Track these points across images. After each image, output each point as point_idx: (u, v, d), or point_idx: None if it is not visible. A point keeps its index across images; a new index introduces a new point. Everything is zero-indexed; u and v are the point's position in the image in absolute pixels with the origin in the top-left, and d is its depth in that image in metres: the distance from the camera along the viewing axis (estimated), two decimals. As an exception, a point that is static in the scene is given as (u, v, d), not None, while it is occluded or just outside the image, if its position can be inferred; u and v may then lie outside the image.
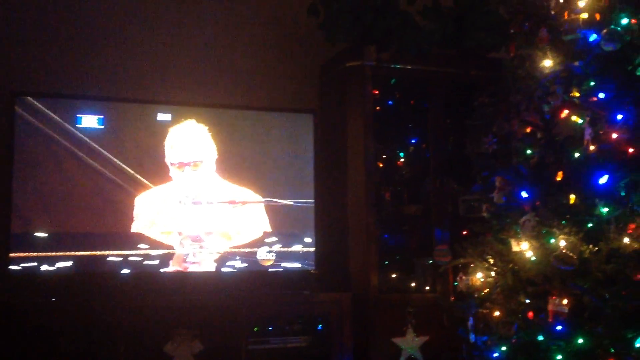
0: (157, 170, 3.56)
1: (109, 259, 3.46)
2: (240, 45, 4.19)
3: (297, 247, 3.76)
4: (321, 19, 3.95)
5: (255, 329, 3.52)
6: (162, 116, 3.61)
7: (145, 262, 3.50)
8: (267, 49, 4.24)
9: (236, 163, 3.72)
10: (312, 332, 3.64)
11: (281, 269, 3.73)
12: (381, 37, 3.86)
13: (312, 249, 3.77)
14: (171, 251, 3.57)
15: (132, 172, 3.51)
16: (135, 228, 3.50)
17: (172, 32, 4.06)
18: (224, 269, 3.65)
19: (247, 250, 3.69)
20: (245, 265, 3.68)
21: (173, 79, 4.00)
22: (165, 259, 3.55)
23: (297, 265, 3.76)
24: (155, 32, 4.02)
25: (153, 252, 3.52)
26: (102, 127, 3.49)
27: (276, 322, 3.57)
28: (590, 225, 2.72)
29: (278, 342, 3.55)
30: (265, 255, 3.70)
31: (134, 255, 3.49)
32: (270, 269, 3.70)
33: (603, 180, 2.70)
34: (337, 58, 4.02)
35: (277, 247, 3.72)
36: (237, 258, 3.67)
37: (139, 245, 3.50)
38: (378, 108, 3.96)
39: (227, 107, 3.83)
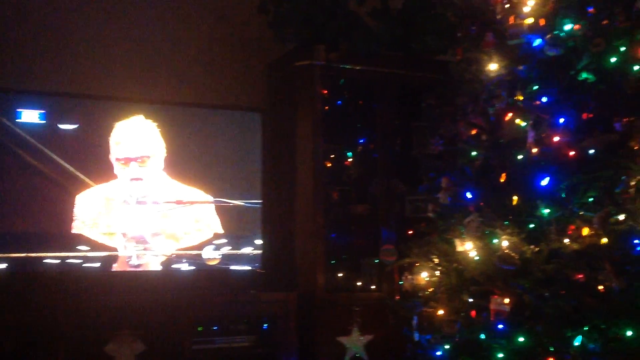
0: (100, 167, 3.48)
1: (48, 260, 3.36)
2: (187, 41, 4.15)
3: (247, 250, 3.74)
4: (271, 17, 3.94)
5: (200, 328, 3.48)
6: (107, 111, 3.54)
7: (86, 265, 3.42)
8: (215, 45, 4.20)
9: (185, 162, 3.67)
10: (257, 331, 3.62)
11: (227, 268, 3.70)
12: (331, 38, 3.87)
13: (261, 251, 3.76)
14: (114, 253, 3.50)
15: (73, 169, 3.42)
16: (76, 228, 3.42)
17: (118, 25, 3.99)
18: (168, 269, 3.60)
19: (195, 252, 3.65)
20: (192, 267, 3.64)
21: (118, 74, 3.92)
22: (108, 262, 3.48)
23: (247, 267, 3.74)
24: (100, 25, 3.94)
25: (95, 254, 3.44)
26: (44, 122, 3.39)
27: (221, 321, 3.54)
28: (532, 226, 2.77)
29: (223, 342, 3.52)
30: (210, 254, 3.67)
31: (73, 257, 3.40)
32: (216, 268, 3.67)
33: (545, 182, 2.75)
34: (286, 57, 4.01)
35: (226, 249, 3.69)
36: (184, 261, 3.62)
37: (80, 247, 3.42)
38: (327, 108, 3.96)
39: (173, 104, 3.78)
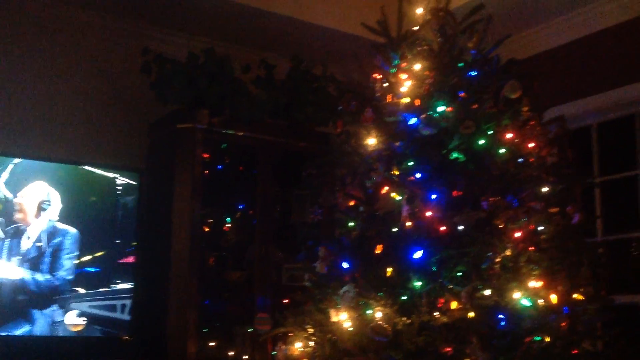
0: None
1: None
2: (65, 97, 4.02)
3: (115, 315, 3.58)
4: (153, 77, 3.91)
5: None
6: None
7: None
8: (95, 103, 4.11)
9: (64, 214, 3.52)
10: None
11: (91, 335, 3.51)
12: (214, 102, 3.88)
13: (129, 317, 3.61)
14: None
15: None
16: None
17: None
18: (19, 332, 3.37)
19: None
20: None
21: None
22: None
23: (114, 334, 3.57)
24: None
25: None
26: None
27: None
28: (404, 298, 2.83)
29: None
30: (74, 320, 3.47)
31: None
32: (79, 335, 3.48)
33: (417, 255, 2.82)
34: (168, 118, 3.97)
35: (92, 314, 3.52)
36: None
37: None
38: (207, 172, 3.93)
39: (49, 160, 3.63)
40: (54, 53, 4.01)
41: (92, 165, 3.75)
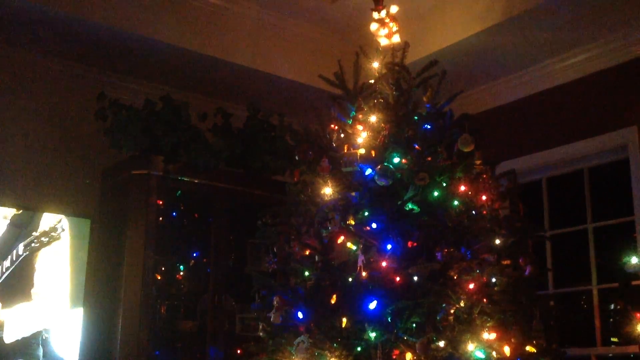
0: None
1: None
2: (17, 140, 3.95)
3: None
4: (108, 124, 3.88)
5: None
6: None
7: None
8: (48, 147, 4.04)
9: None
10: None
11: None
12: (169, 149, 3.86)
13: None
14: None
15: None
16: None
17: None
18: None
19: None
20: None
21: None
22: None
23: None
24: None
25: None
26: None
27: None
28: (359, 349, 2.81)
29: None
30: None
31: None
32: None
33: (372, 305, 2.82)
34: (122, 164, 3.92)
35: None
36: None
37: None
38: (161, 219, 3.89)
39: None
40: (6, 96, 3.95)
41: (42, 211, 3.67)
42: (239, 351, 3.68)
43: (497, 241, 2.98)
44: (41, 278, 3.62)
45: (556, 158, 4.17)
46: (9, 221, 3.55)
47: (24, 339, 3.52)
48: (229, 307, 3.94)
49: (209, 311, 3.89)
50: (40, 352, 3.53)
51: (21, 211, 3.61)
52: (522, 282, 2.98)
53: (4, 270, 3.54)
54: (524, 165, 4.21)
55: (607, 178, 4.09)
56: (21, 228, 3.62)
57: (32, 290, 3.60)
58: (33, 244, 3.62)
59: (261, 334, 3.23)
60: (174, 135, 3.86)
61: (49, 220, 3.68)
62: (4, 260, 3.54)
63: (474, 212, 3.02)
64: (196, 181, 3.95)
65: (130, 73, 4.26)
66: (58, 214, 3.71)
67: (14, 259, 3.57)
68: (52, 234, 3.65)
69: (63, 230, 3.68)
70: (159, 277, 3.92)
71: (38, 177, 3.97)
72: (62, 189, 4.00)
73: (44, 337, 3.55)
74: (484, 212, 3.03)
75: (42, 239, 3.64)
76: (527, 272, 3.04)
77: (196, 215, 4.23)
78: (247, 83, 4.36)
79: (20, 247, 3.59)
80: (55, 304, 3.63)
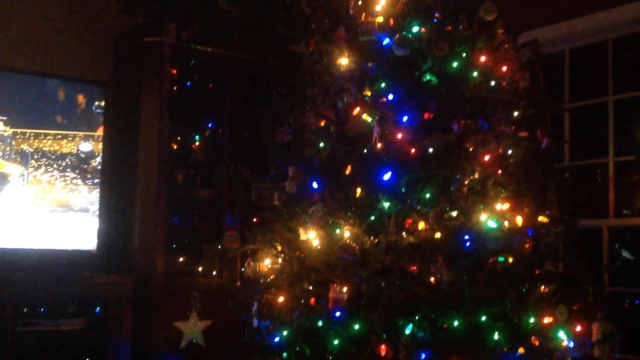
0: None
1: None
2: (27, 5, 3.86)
3: (82, 229, 3.58)
4: (120, -11, 3.77)
5: (25, 310, 3.28)
6: None
7: None
8: (57, 11, 3.94)
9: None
10: (88, 315, 3.47)
11: (59, 248, 3.51)
12: (182, 16, 3.77)
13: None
14: None
15: None
16: None
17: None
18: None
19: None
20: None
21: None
22: None
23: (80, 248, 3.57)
24: None
25: None
26: None
27: (49, 303, 3.37)
28: (372, 218, 2.86)
29: (50, 325, 3.35)
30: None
31: None
32: (47, 247, 3.48)
33: (387, 176, 2.84)
34: (135, 31, 3.85)
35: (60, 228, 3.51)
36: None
37: None
38: (175, 88, 3.86)
39: (10, 71, 3.52)
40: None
41: (55, 77, 3.65)
42: (255, 219, 3.76)
43: (515, 113, 2.95)
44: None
45: (580, 28, 4.04)
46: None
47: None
48: (245, 177, 3.99)
49: (225, 181, 3.95)
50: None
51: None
52: (539, 154, 2.97)
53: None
54: (547, 35, 4.07)
55: (630, 50, 3.97)
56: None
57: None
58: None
59: (276, 202, 3.29)
60: (186, 1, 3.76)
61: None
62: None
63: (493, 83, 2.96)
64: (210, 50, 3.89)
65: None
66: (71, 80, 3.67)
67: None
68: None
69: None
70: (175, 147, 3.94)
71: (50, 43, 3.91)
72: (75, 55, 3.95)
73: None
74: (504, 83, 2.97)
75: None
76: (544, 145, 3.02)
77: (210, 85, 4.19)
78: (260, -53, 4.18)
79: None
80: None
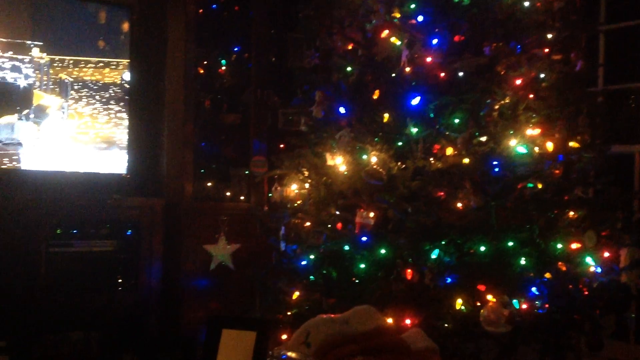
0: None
1: None
2: None
3: (113, 154, 3.61)
4: None
5: (58, 231, 3.36)
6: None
7: None
8: None
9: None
10: (120, 236, 3.54)
11: (91, 171, 3.56)
12: None
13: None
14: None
15: None
16: None
17: None
18: (25, 167, 3.40)
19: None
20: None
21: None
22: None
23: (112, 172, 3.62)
24: None
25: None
26: None
27: (82, 225, 3.44)
28: (400, 143, 2.84)
29: (82, 246, 3.43)
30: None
31: None
32: (80, 171, 3.53)
33: (415, 101, 2.80)
34: (161, -47, 3.77)
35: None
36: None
37: None
38: (201, 11, 3.80)
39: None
40: None
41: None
42: (281, 145, 3.76)
43: (550, 35, 2.86)
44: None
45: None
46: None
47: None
48: (272, 102, 3.96)
49: (252, 105, 3.92)
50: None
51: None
52: (572, 77, 2.89)
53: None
54: (584, -46, 3.91)
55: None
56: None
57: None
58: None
59: (303, 128, 3.28)
60: None
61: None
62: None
63: (527, 4, 2.86)
64: (235, -30, 3.80)
65: None
66: (96, 2, 3.61)
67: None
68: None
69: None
70: (202, 71, 3.91)
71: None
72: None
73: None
74: (538, 4, 2.87)
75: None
76: (577, 68, 2.94)
77: (237, 8, 4.10)
78: None
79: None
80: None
